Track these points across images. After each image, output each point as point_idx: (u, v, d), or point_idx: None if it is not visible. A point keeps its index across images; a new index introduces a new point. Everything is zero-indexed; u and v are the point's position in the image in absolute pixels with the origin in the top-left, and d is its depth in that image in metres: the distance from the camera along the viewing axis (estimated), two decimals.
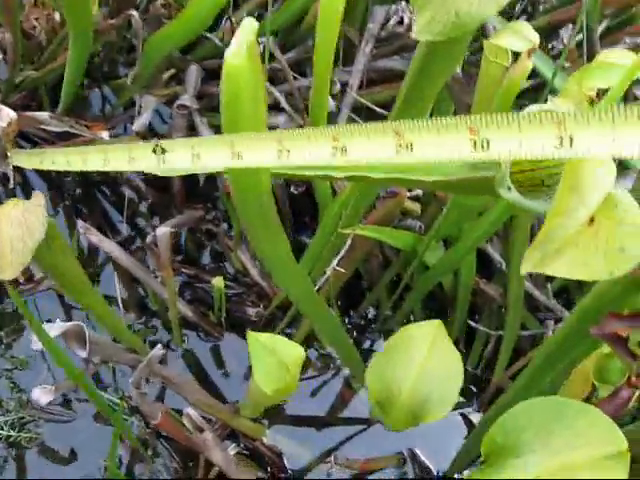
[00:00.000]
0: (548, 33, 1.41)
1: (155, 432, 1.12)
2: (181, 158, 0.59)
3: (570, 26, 1.37)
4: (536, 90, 1.20)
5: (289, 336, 1.24)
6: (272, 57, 1.25)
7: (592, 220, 0.46)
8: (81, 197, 1.38)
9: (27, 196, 0.73)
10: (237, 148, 0.55)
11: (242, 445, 1.12)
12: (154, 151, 0.61)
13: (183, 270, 1.25)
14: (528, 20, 1.46)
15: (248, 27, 0.54)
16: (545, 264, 0.45)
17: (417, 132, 0.45)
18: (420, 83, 0.70)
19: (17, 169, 0.83)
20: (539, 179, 0.50)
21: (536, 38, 0.82)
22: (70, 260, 0.84)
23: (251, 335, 0.76)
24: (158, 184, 1.36)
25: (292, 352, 0.77)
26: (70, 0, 1.01)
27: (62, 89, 1.13)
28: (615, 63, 0.76)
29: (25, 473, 1.11)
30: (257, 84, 0.56)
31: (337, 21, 0.82)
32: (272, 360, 0.75)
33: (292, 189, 1.22)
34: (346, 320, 1.29)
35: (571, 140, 0.41)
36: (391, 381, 0.72)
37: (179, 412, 1.00)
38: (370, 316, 1.30)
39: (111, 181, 1.38)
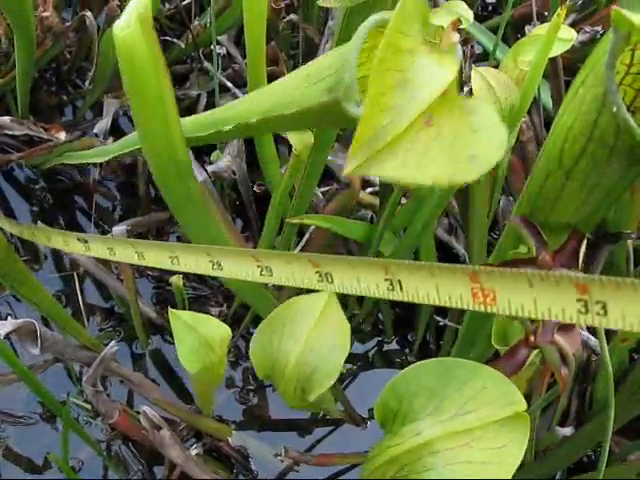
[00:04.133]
0: (517, 27, 1.41)
1: (119, 434, 1.11)
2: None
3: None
4: None
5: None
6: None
7: (430, 121, 0.40)
8: (52, 203, 1.38)
9: None
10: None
11: (207, 446, 1.10)
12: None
13: (148, 272, 1.25)
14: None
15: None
16: (372, 164, 0.39)
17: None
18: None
19: None
20: None
21: (470, 15, 0.81)
22: (11, 257, 0.84)
23: (173, 314, 0.75)
24: (127, 189, 1.37)
25: (217, 331, 0.75)
26: (7, 2, 1.01)
27: (17, 94, 1.14)
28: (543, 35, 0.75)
29: None
30: (154, 57, 0.56)
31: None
32: (195, 338, 0.74)
33: (254, 188, 1.21)
34: None
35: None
36: (277, 353, 0.69)
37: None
38: None
39: (81, 187, 1.39)
